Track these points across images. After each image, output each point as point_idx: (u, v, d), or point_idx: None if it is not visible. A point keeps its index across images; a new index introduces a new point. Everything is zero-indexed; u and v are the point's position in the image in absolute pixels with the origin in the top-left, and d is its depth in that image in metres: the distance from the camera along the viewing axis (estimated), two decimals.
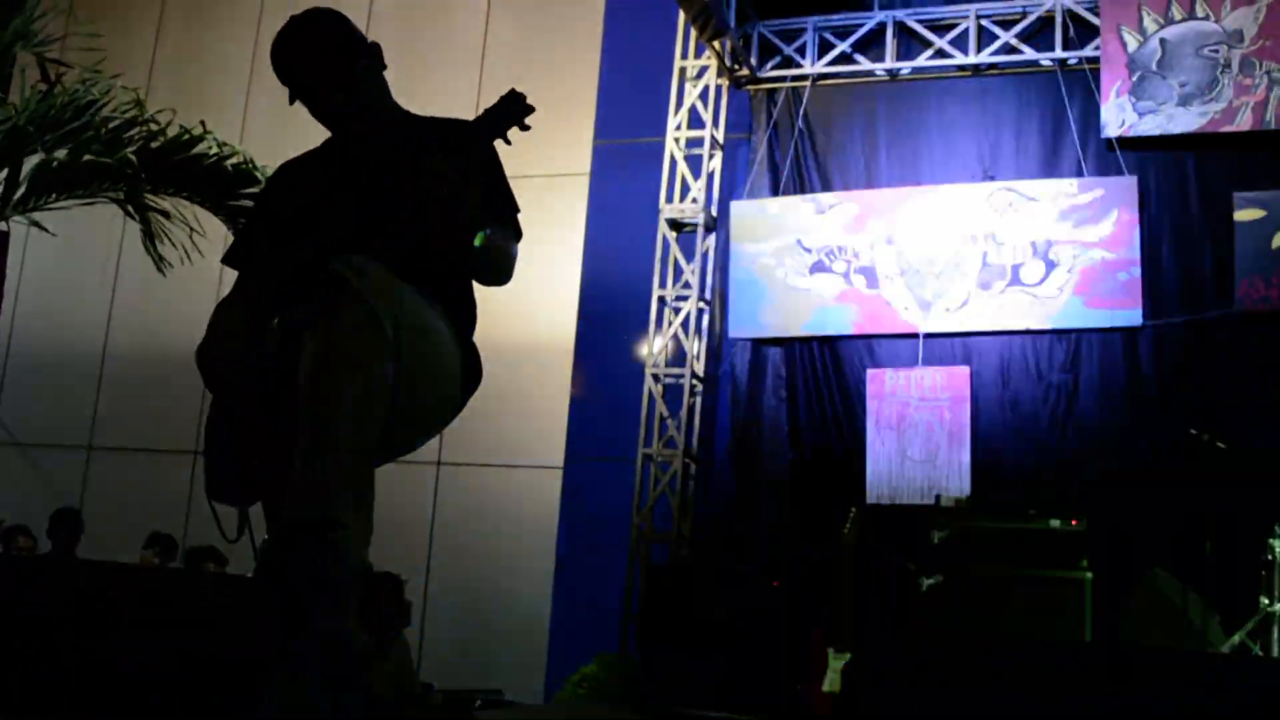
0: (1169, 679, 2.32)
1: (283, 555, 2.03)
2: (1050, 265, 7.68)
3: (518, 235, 2.53)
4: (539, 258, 8.49)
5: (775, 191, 8.32)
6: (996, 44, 8.07)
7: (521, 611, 8.66)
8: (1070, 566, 6.50)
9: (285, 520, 2.05)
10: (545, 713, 7.40)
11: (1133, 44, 7.77)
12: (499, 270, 2.48)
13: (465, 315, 2.51)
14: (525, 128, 2.45)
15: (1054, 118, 7.93)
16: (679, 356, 8.28)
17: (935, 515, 6.80)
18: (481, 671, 8.42)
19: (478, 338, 2.52)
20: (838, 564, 6.93)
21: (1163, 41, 7.73)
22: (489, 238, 2.37)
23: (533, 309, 8.75)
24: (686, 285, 8.30)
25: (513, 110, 2.41)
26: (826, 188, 8.23)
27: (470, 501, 8.95)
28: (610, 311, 8.68)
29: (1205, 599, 6.41)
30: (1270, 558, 6.19)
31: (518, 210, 2.55)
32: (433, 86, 8.69)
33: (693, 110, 8.44)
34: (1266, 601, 6.07)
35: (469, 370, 2.46)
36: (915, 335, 7.87)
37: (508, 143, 2.44)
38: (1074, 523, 6.62)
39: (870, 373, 7.94)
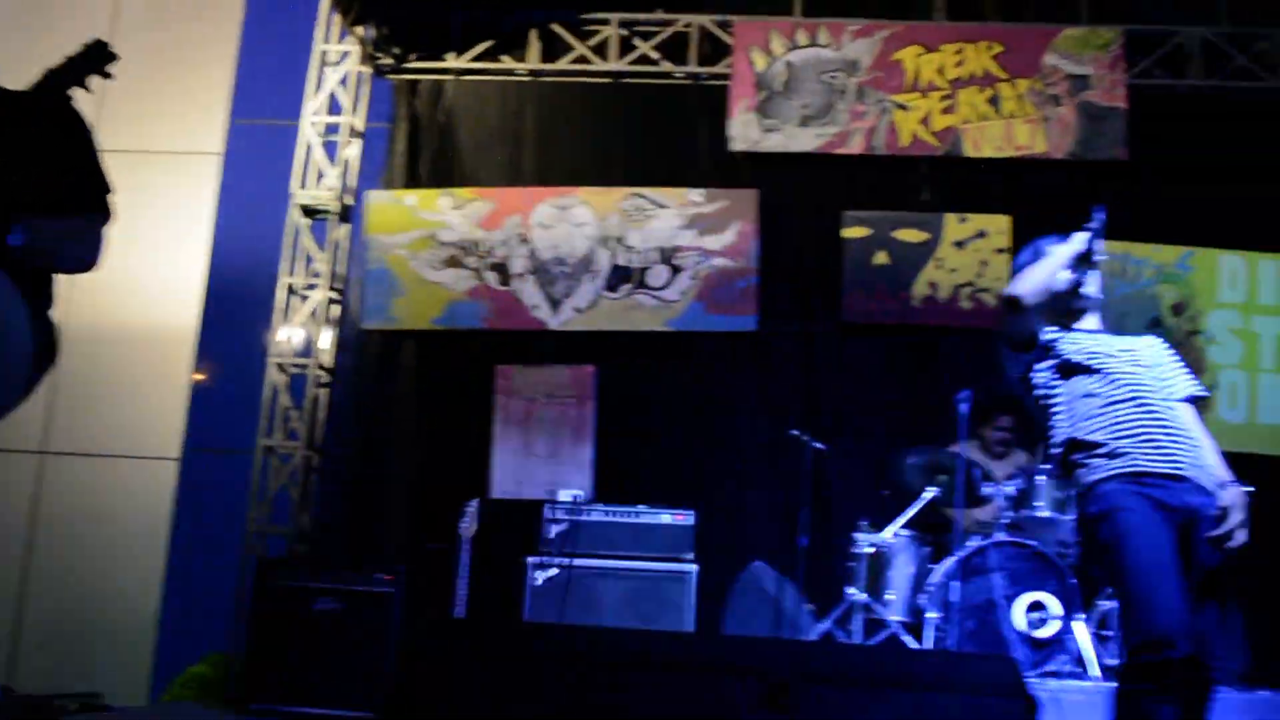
0: (758, 664, 2.33)
1: None
2: (675, 271, 7.91)
3: (107, 217, 2.34)
4: (163, 238, 8.09)
5: (413, 184, 8.20)
6: (635, 54, 8.26)
7: (129, 611, 8.15)
8: (678, 559, 6.69)
9: None
10: (133, 716, 6.93)
11: (761, 64, 8.14)
12: (67, 258, 2.29)
13: (41, 290, 2.31)
14: (107, 75, 2.30)
15: (686, 129, 8.20)
16: (307, 347, 8.01)
17: (552, 509, 6.85)
18: (85, 674, 7.83)
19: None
20: (454, 558, 6.84)
21: (789, 65, 8.13)
22: (31, 227, 2.16)
23: (153, 292, 8.30)
24: (317, 274, 8.06)
25: (94, 57, 2.25)
26: (464, 183, 8.18)
27: (77, 494, 8.33)
28: (238, 298, 8.32)
29: (798, 589, 6.72)
30: (856, 551, 6.53)
31: (108, 190, 2.34)
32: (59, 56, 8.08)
33: (333, 96, 8.22)
34: (853, 591, 6.39)
35: (44, 349, 2.24)
36: (544, 333, 7.92)
37: (88, 90, 2.36)
38: (680, 517, 6.83)
39: (499, 369, 7.93)
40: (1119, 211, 7.80)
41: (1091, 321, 3.86)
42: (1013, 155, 7.96)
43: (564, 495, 6.99)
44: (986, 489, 6.50)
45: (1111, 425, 3.48)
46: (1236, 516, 3.29)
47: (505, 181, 8.18)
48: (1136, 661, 3.17)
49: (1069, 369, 3.64)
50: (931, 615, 6.13)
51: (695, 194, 8.01)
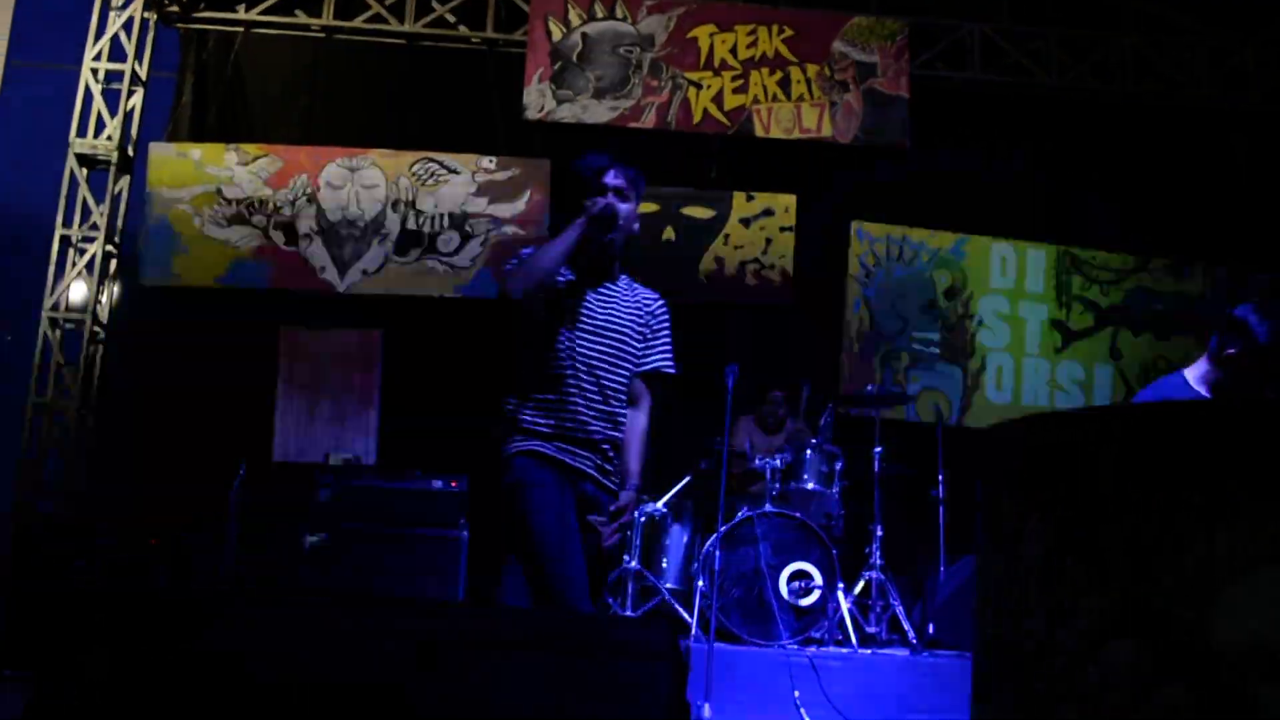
0: (409, 627, 2.32)
1: None
2: (466, 237, 7.91)
3: None
4: None
5: (199, 137, 7.99)
6: (432, 16, 8.18)
7: None
8: (450, 525, 6.72)
9: None
10: None
11: (558, 34, 8.15)
12: None
13: None
14: None
15: (480, 95, 8.16)
16: (83, 302, 7.77)
17: (323, 473, 6.81)
18: None
19: None
20: (224, 522, 6.77)
21: (584, 36, 8.17)
22: None
23: None
24: (95, 227, 7.81)
25: None
26: (252, 139, 8.00)
27: None
28: (10, 248, 8.02)
29: None
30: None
31: None
32: None
33: (115, 41, 7.93)
34: (627, 558, 6.51)
35: None
36: (331, 295, 7.84)
37: None
38: (454, 484, 6.86)
39: (284, 331, 7.83)
40: (898, 197, 8.21)
41: (611, 267, 3.59)
42: (800, 137, 8.17)
43: (335, 459, 6.94)
44: (758, 461, 6.64)
45: (540, 396, 3.39)
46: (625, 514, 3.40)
47: (294, 139, 8.04)
48: None
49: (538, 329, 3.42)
50: (700, 584, 6.30)
51: (488, 160, 8.02)
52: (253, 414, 7.72)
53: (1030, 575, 2.13)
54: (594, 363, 3.40)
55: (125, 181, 7.94)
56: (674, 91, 8.13)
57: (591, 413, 3.40)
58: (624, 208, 3.47)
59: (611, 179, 3.47)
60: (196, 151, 7.93)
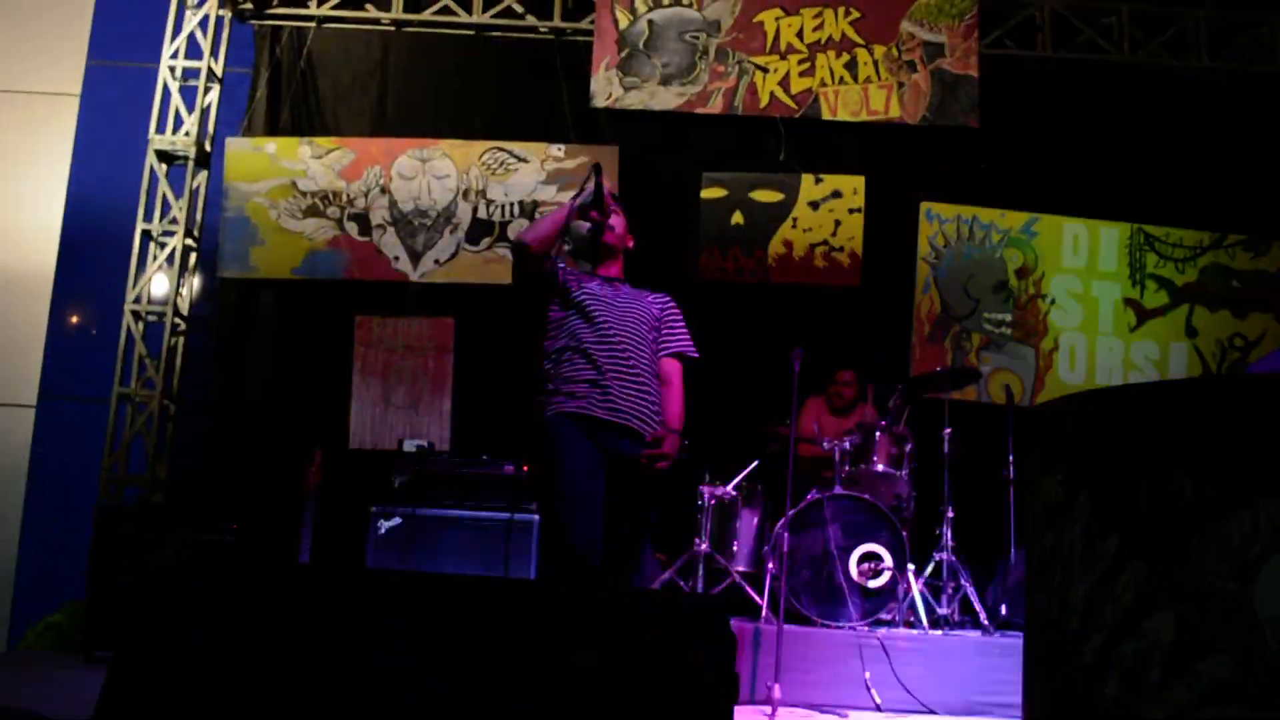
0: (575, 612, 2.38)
1: None
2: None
3: None
4: (19, 180, 7.96)
5: (273, 131, 8.14)
6: (500, 6, 8.26)
7: None
8: (522, 508, 6.82)
9: None
10: None
11: (624, 22, 8.20)
12: None
13: None
14: None
15: (548, 83, 8.23)
16: (164, 295, 7.96)
17: (398, 460, 6.94)
18: None
19: None
20: (300, 508, 6.91)
21: (650, 23, 8.21)
22: None
23: (9, 235, 8.17)
24: (174, 221, 7.99)
25: None
26: (325, 132, 8.14)
27: None
28: (95, 243, 8.21)
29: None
30: (700, 503, 6.70)
31: None
32: None
33: (191, 39, 8.11)
34: (699, 541, 6.57)
35: None
36: (404, 284, 7.96)
37: None
38: (525, 468, 6.95)
39: (359, 319, 7.95)
40: (968, 177, 8.16)
41: (612, 266, 4.13)
42: (868, 119, 8.14)
43: (409, 446, 7.05)
44: (827, 443, 6.66)
45: (576, 367, 3.83)
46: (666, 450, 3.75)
47: (367, 132, 8.17)
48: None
49: (568, 306, 3.93)
50: (770, 566, 6.34)
51: (556, 149, 8.09)
52: (330, 403, 7.87)
53: (1074, 551, 2.15)
54: (616, 341, 3.80)
55: (203, 176, 8.11)
56: (740, 76, 8.14)
57: (621, 384, 3.77)
58: (616, 219, 3.99)
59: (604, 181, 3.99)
60: (271, 145, 8.08)
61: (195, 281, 8.12)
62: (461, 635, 2.14)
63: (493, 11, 8.26)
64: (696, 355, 4.04)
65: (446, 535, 6.76)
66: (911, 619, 6.09)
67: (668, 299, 4.12)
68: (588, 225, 3.99)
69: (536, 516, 6.79)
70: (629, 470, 3.78)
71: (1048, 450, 2.32)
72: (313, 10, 8.22)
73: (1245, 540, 1.87)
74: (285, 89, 8.19)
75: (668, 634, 2.20)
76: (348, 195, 8.00)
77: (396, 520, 6.77)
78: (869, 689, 5.38)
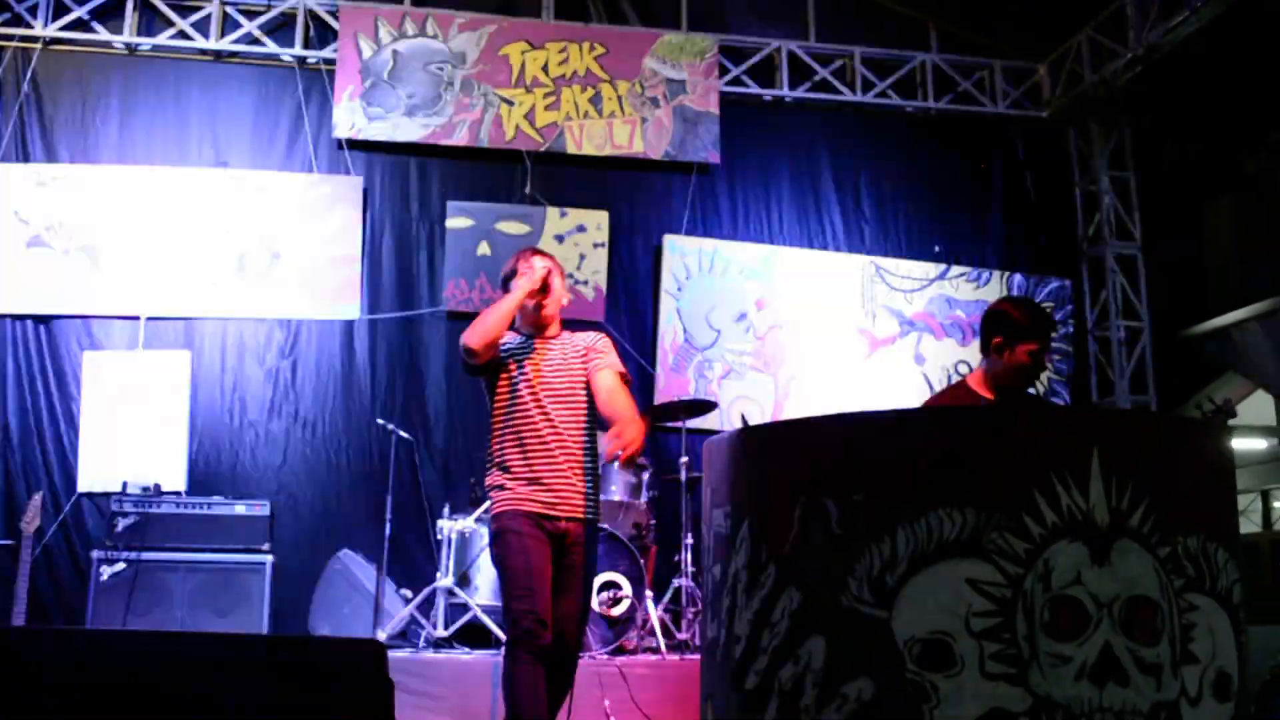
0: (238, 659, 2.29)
1: None
2: (276, 256, 7.83)
3: None
4: None
5: None
6: (239, 32, 8.08)
7: None
8: (254, 549, 6.69)
9: None
10: None
11: (368, 51, 8.13)
12: None
13: None
14: None
15: (291, 113, 8.09)
16: None
17: (120, 502, 6.70)
18: None
19: None
20: (17, 553, 6.58)
21: (395, 53, 8.17)
22: None
23: None
24: None
25: None
26: (51, 158, 7.78)
27: None
28: None
29: (385, 575, 6.80)
30: (440, 537, 6.68)
31: None
32: None
33: None
34: (439, 575, 6.54)
35: None
36: (136, 318, 7.68)
37: None
38: (258, 507, 6.82)
39: (87, 355, 7.62)
40: (709, 212, 8.41)
41: (552, 325, 4.15)
42: (612, 153, 8.30)
43: (134, 487, 6.83)
44: None
45: (508, 450, 3.91)
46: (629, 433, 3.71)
47: (95, 158, 7.83)
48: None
49: (506, 392, 4.00)
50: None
51: (299, 179, 7.95)
52: (57, 443, 7.52)
53: (739, 580, 2.27)
54: (553, 408, 3.89)
55: None
56: (486, 109, 8.19)
57: (558, 454, 3.86)
58: (556, 281, 4.08)
59: (539, 261, 4.09)
60: None
61: None
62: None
63: (232, 37, 8.06)
64: (623, 371, 4.06)
65: (174, 581, 6.57)
66: (653, 645, 6.22)
67: (598, 337, 4.17)
68: (532, 304, 4.04)
69: (269, 558, 6.68)
70: (572, 544, 3.89)
71: (717, 483, 2.44)
72: (36, 30, 7.85)
73: (885, 566, 2.01)
74: (5, 112, 7.78)
75: (325, 679, 2.20)
76: (75, 225, 7.65)
77: (120, 565, 6.54)
78: (608, 716, 5.47)
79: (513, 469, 3.88)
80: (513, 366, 3.99)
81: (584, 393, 4.00)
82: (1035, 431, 2.08)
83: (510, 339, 4.05)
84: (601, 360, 4.04)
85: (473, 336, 3.89)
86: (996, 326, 3.78)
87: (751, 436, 2.39)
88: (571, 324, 7.79)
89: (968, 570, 1.98)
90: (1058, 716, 1.92)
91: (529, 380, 3.96)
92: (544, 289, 4.04)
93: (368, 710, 2.13)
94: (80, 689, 2.21)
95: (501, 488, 3.89)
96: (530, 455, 3.88)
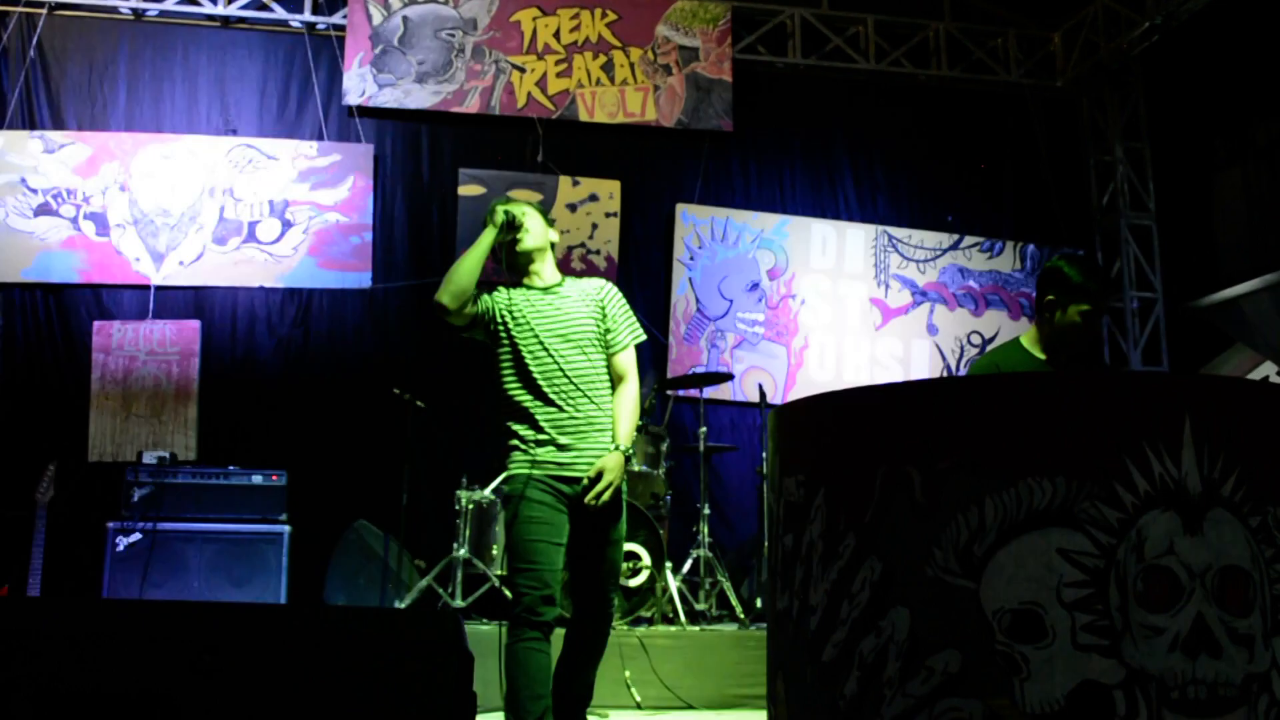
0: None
1: None
2: (287, 225, 7.76)
3: None
4: None
5: (0, 124, 7.63)
6: None
7: None
8: (270, 519, 6.66)
9: None
10: None
11: (378, 17, 8.04)
12: None
13: None
14: None
15: (300, 79, 8.00)
16: None
17: (135, 472, 6.66)
18: None
19: None
20: (30, 522, 6.53)
21: (405, 19, 8.07)
22: None
23: None
24: None
25: None
26: (58, 125, 7.69)
27: None
28: None
29: (401, 546, 6.78)
30: (458, 508, 6.64)
31: None
32: None
33: None
34: (456, 546, 6.51)
35: None
36: (146, 287, 7.61)
37: None
38: (274, 477, 6.78)
39: (97, 324, 7.56)
40: (722, 179, 8.34)
41: (542, 269, 3.92)
42: (625, 121, 8.23)
43: (149, 457, 6.78)
44: None
45: (520, 411, 3.71)
46: (607, 478, 3.63)
47: (103, 125, 7.75)
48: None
49: (506, 347, 3.78)
50: None
51: (308, 146, 7.87)
52: (68, 413, 7.46)
53: (814, 551, 2.22)
54: (563, 359, 3.70)
55: None
56: (497, 76, 8.10)
57: (574, 408, 3.68)
58: (529, 219, 3.88)
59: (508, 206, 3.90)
60: None
61: None
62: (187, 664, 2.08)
63: (240, 2, 7.96)
64: (645, 337, 3.93)
65: (190, 551, 6.53)
66: (671, 615, 6.21)
67: (605, 286, 3.90)
68: (505, 244, 3.87)
69: (287, 528, 6.65)
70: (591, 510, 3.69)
71: (788, 451, 2.36)
72: None
73: (972, 536, 1.98)
74: (11, 78, 7.69)
75: (398, 654, 2.17)
76: (84, 193, 7.58)
77: (136, 536, 6.50)
78: (629, 688, 5.46)
79: (525, 429, 3.70)
80: (510, 322, 3.79)
81: (597, 342, 3.80)
82: (1128, 398, 2.04)
83: (508, 295, 3.86)
84: (622, 333, 3.85)
85: (443, 293, 3.74)
86: (1049, 284, 3.57)
87: (828, 402, 2.34)
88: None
89: (1059, 540, 1.94)
90: (1151, 689, 1.89)
91: (535, 334, 3.74)
92: (511, 226, 3.84)
93: (449, 684, 2.10)
94: (137, 659, 2.18)
95: (515, 448, 3.72)
96: (542, 413, 3.69)
